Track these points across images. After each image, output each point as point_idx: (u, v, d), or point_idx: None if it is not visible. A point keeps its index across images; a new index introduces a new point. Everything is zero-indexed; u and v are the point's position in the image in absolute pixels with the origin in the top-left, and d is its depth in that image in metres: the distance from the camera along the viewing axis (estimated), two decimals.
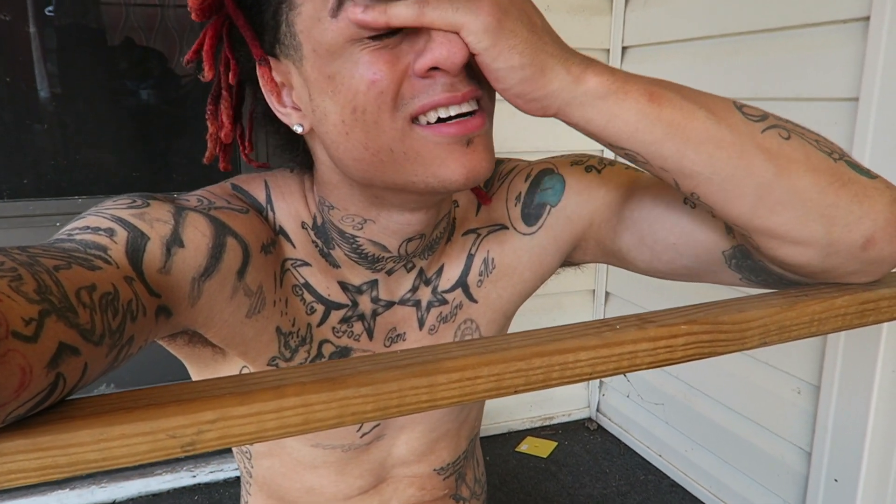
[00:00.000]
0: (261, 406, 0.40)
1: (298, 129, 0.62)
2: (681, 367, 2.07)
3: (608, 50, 2.21)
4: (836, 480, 1.53)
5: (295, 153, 0.68)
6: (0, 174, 1.81)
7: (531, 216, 0.75)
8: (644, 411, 2.27)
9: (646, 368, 0.52)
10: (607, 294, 2.38)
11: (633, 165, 0.71)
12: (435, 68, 0.54)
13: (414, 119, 0.56)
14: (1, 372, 0.33)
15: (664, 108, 0.53)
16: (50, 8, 1.81)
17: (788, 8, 1.56)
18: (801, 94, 1.54)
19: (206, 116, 0.68)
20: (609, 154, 2.30)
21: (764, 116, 0.56)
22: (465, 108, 0.56)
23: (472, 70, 0.56)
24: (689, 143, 0.54)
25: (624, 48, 2.16)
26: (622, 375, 2.36)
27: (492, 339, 0.49)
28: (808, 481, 1.61)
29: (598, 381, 2.49)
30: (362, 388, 0.42)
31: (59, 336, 0.38)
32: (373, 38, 0.54)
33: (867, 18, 1.36)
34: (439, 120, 0.56)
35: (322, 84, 0.58)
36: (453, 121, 0.57)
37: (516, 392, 0.48)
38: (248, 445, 0.81)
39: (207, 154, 0.70)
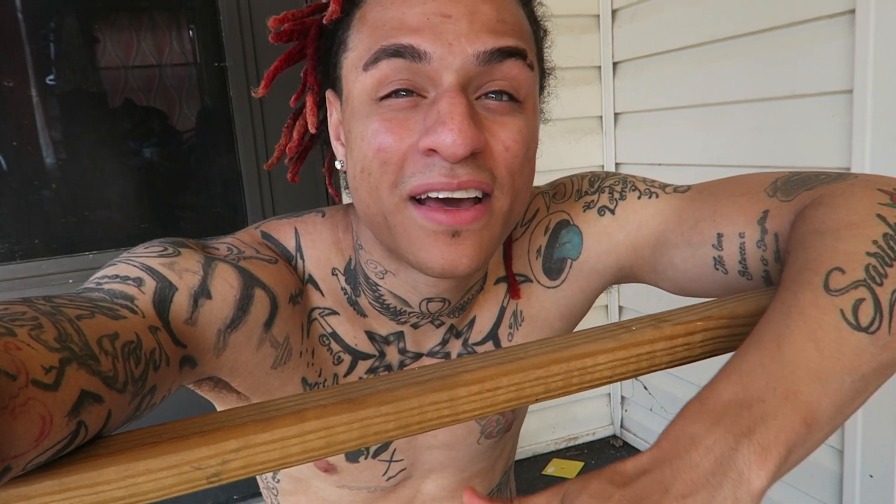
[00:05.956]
0: (283, 431, 0.40)
1: (338, 166, 0.64)
2: (702, 375, 2.05)
3: (600, 67, 2.22)
4: (871, 476, 1.50)
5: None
6: (12, 236, 1.83)
7: (553, 270, 0.73)
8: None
9: (665, 368, 0.52)
10: (621, 308, 2.37)
11: (644, 190, 0.70)
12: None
13: (411, 196, 0.56)
14: (21, 421, 0.33)
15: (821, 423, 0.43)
16: (51, 76, 1.85)
17: (774, 8, 1.58)
18: (795, 90, 1.55)
19: (283, 129, 0.71)
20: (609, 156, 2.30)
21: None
22: (459, 195, 0.55)
23: (487, 159, 0.55)
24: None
25: (615, 63, 2.18)
26: (644, 389, 2.34)
27: (509, 349, 0.48)
28: (843, 479, 1.58)
29: (619, 397, 2.47)
30: (383, 407, 0.42)
31: (80, 384, 0.37)
32: (384, 97, 0.55)
33: (853, 11, 1.38)
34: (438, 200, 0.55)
35: (347, 136, 0.60)
36: (447, 207, 0.55)
37: (537, 400, 0.47)
38: (274, 483, 0.81)
39: (270, 161, 0.72)
